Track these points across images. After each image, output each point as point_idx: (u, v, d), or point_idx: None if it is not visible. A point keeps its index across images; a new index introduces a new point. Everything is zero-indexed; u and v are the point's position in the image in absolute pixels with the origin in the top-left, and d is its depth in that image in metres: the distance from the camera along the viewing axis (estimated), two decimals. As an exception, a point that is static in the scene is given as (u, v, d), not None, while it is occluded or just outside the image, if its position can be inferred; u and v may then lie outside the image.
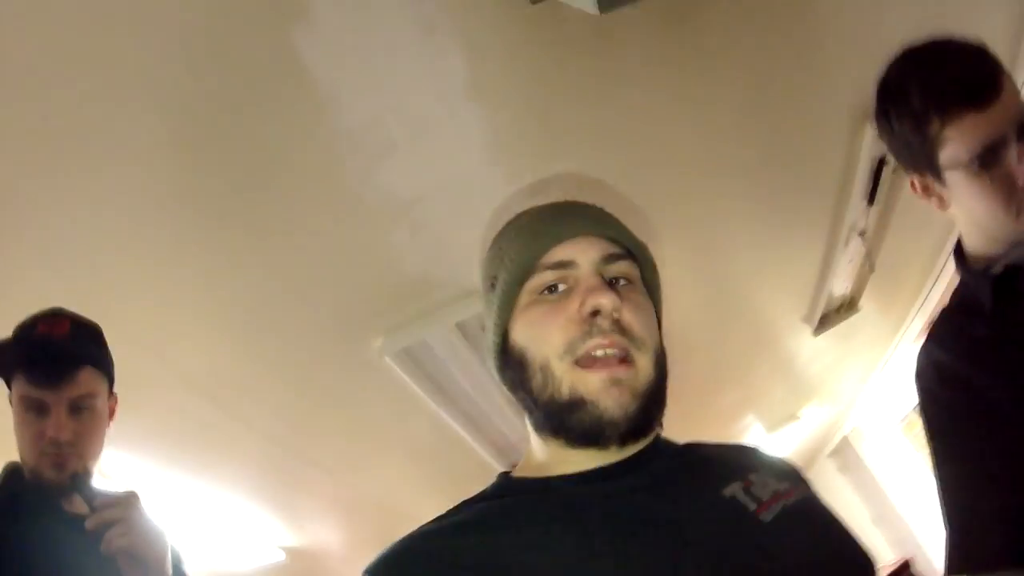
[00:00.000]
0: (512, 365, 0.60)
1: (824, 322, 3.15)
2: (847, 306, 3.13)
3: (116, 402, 1.07)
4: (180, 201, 1.39)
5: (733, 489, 0.54)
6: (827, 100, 1.91)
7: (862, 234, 2.41)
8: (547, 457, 0.60)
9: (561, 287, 0.59)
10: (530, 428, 0.62)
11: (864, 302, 3.14)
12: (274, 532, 3.24)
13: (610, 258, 0.60)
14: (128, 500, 0.90)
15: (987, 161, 0.71)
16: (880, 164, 2.11)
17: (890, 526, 5.78)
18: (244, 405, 2.15)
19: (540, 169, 1.66)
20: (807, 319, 3.18)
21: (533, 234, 0.61)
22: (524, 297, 0.60)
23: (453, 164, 1.55)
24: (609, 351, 0.55)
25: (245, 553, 3.13)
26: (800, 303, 3.04)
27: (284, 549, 3.33)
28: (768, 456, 0.67)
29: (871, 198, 2.27)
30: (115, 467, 2.26)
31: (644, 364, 0.56)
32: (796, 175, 2.16)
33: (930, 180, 0.77)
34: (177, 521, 2.64)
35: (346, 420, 2.43)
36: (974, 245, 0.80)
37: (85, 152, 1.18)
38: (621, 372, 0.54)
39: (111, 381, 1.06)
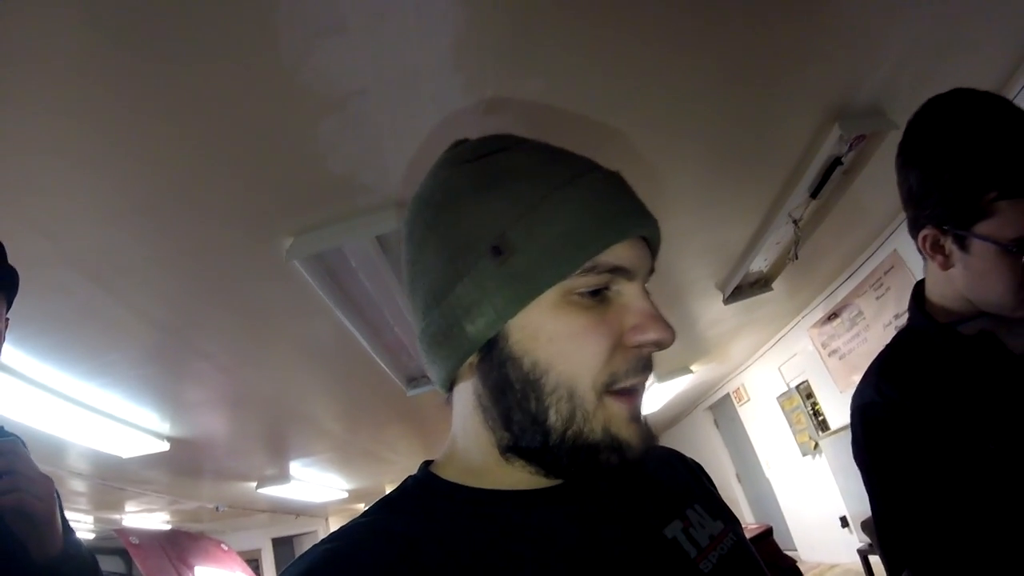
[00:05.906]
0: (504, 374, 0.46)
1: (736, 293, 3.25)
2: (761, 283, 3.24)
3: (7, 325, 0.94)
4: (79, 67, 1.15)
5: (674, 529, 0.51)
6: (803, 95, 1.89)
7: (796, 222, 2.43)
8: (490, 467, 0.49)
9: (603, 294, 0.46)
10: (484, 441, 0.49)
11: (777, 283, 3.25)
12: (158, 421, 3.09)
13: (650, 272, 0.50)
14: (11, 449, 0.81)
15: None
16: (834, 163, 2.11)
17: (752, 486, 6.41)
18: (133, 291, 1.93)
19: (504, 84, 1.48)
20: (721, 287, 3.28)
21: (594, 218, 0.45)
22: (553, 293, 0.45)
23: (407, 59, 1.33)
24: (637, 386, 0.47)
25: (127, 440, 3.02)
26: (719, 271, 3.12)
27: (167, 438, 3.25)
28: (697, 476, 0.62)
29: (815, 192, 2.28)
30: None
31: None
32: (752, 152, 2.13)
33: (947, 239, 0.76)
34: (60, 408, 2.49)
35: (242, 316, 2.24)
36: (946, 301, 0.81)
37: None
38: (640, 405, 0.47)
39: (9, 303, 0.94)
